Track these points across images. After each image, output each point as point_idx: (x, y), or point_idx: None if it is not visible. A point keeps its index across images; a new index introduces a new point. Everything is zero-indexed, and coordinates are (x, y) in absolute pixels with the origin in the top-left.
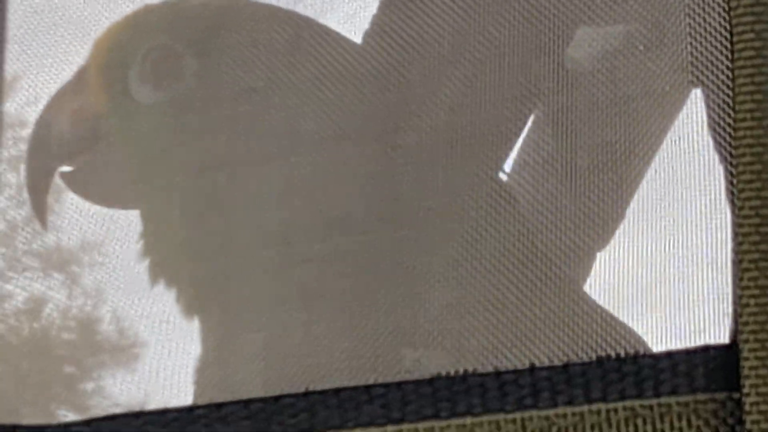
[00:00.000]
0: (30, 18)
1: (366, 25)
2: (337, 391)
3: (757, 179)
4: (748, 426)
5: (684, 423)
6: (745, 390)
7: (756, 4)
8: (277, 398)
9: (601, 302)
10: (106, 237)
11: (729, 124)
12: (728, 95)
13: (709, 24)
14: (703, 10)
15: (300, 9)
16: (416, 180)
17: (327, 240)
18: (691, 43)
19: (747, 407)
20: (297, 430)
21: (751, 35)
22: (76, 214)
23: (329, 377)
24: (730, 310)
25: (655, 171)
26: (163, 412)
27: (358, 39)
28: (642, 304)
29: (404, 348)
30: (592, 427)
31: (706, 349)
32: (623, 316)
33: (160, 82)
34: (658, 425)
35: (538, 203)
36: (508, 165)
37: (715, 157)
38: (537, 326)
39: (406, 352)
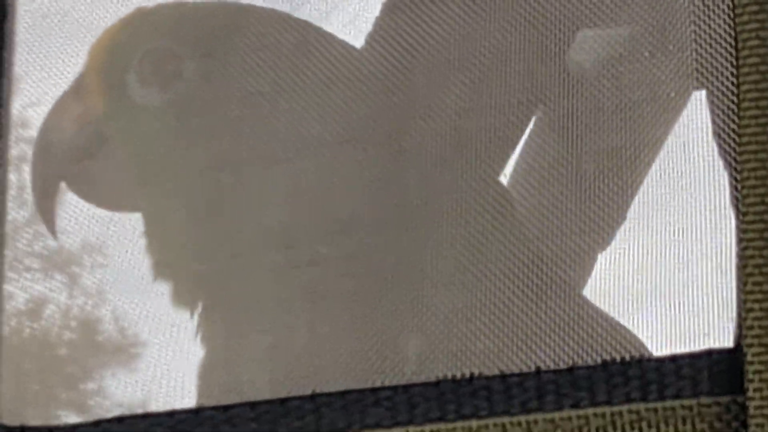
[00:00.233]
0: (36, 21)
1: (368, 28)
2: (343, 394)
3: (761, 185)
4: (751, 429)
5: (688, 426)
6: (749, 393)
7: (760, 12)
8: (283, 400)
9: (605, 306)
10: (108, 238)
11: (734, 130)
12: (733, 101)
13: (714, 30)
14: (708, 16)
15: (303, 11)
16: (421, 183)
17: (332, 242)
18: (696, 50)
19: (751, 411)
20: None
21: (756, 42)
22: (77, 216)
23: (335, 379)
24: (734, 314)
25: (660, 176)
26: (171, 414)
27: (360, 42)
28: (647, 309)
29: (410, 350)
30: (597, 430)
31: (710, 353)
32: (628, 320)
33: (158, 84)
34: (663, 428)
35: (543, 207)
36: (513, 169)
37: (720, 163)
38: (542, 330)
39: (412, 355)
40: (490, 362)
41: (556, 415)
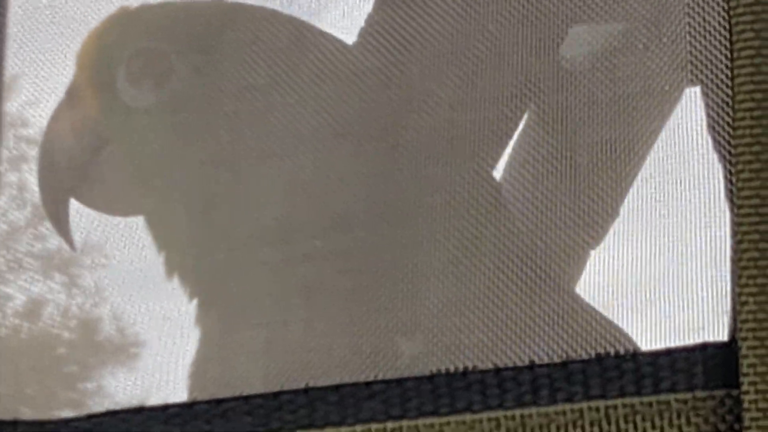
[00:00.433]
0: (30, 16)
1: (362, 23)
2: (337, 388)
3: (756, 178)
4: (746, 423)
5: (683, 420)
6: (744, 387)
7: (755, 3)
8: (277, 394)
9: (600, 300)
10: (107, 239)
11: (728, 123)
12: (727, 94)
13: (709, 23)
14: (703, 9)
15: (295, 7)
16: (416, 177)
17: (327, 237)
18: (690, 42)
19: (746, 404)
20: (297, 426)
21: (751, 34)
22: (77, 217)
23: (329, 373)
24: (729, 307)
25: (655, 169)
26: (164, 408)
27: (354, 37)
28: (642, 302)
29: (404, 344)
30: (592, 423)
31: (704, 346)
32: (622, 314)
33: (149, 85)
34: (657, 422)
35: (537, 201)
36: (506, 163)
37: (715, 156)
38: (536, 323)
39: (406, 349)
40: (484, 356)
41: (551, 409)
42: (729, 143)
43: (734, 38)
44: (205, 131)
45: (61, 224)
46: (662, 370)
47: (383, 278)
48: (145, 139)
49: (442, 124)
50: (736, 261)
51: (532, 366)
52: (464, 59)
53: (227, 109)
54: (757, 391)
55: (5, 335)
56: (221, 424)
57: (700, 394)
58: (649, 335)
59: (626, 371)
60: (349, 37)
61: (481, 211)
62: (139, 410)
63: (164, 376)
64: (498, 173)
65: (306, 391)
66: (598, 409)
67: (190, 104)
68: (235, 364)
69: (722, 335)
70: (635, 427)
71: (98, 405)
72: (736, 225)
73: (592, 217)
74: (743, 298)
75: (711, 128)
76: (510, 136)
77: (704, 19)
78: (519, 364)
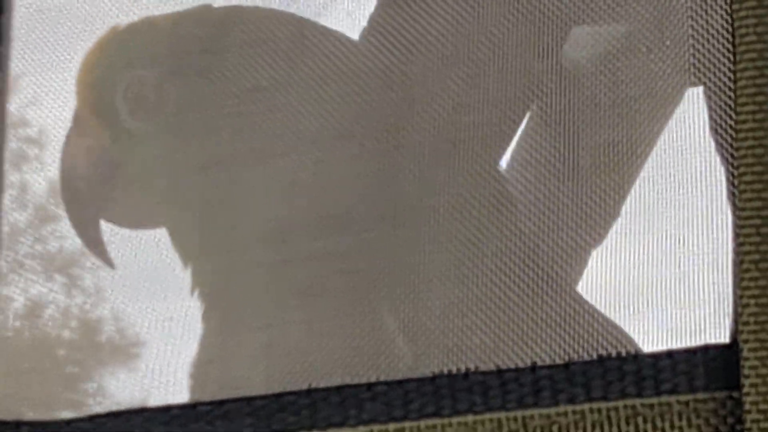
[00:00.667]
0: (32, 16)
1: (364, 24)
2: (339, 389)
3: (758, 180)
4: (747, 425)
5: (684, 422)
6: (745, 389)
7: (758, 7)
8: (279, 395)
9: (601, 301)
10: (108, 241)
11: (731, 126)
12: (730, 97)
13: (712, 26)
14: (706, 12)
15: (298, 6)
16: (418, 178)
17: (329, 238)
18: (693, 45)
19: (747, 406)
20: (299, 427)
21: (753, 37)
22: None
23: (331, 375)
24: (731, 310)
25: (657, 172)
26: (166, 409)
27: (356, 38)
28: (643, 304)
29: (406, 346)
30: (593, 425)
31: (706, 348)
32: (624, 316)
33: (146, 113)
34: (659, 424)
35: (539, 203)
36: (510, 164)
37: (717, 159)
38: (538, 325)
39: (407, 350)
40: (486, 357)
41: (552, 410)
42: (731, 146)
43: (737, 41)
44: (207, 133)
45: (98, 248)
46: (664, 372)
47: (385, 279)
48: (151, 155)
49: (444, 126)
50: (737, 263)
51: (534, 367)
52: (467, 61)
53: (228, 111)
54: (758, 393)
55: (8, 335)
56: (223, 426)
57: (701, 395)
58: (651, 337)
59: (628, 373)
60: (352, 38)
61: (484, 212)
62: (141, 411)
63: (165, 378)
64: (501, 175)
65: (308, 392)
66: (599, 411)
67: (189, 111)
68: (236, 366)
69: (724, 337)
70: (637, 429)
71: (98, 405)
72: (737, 227)
73: (595, 218)
74: (745, 300)
75: (713, 131)
76: (514, 138)
77: (707, 22)
78: (521, 365)
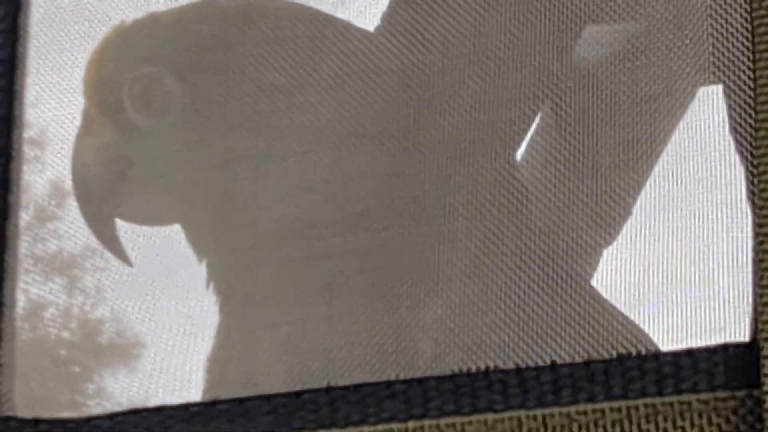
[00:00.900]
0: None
1: (382, 23)
2: (358, 387)
3: None
4: (767, 423)
5: (704, 420)
6: (765, 387)
7: None
8: (298, 393)
9: (621, 300)
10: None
11: (750, 125)
12: (750, 96)
13: (731, 25)
14: (725, 11)
15: (317, 2)
16: (437, 177)
17: (348, 236)
18: (712, 44)
19: (767, 405)
20: (318, 425)
21: None
22: (78, 220)
23: (351, 373)
24: (750, 308)
25: (678, 170)
26: (186, 407)
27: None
28: (663, 302)
29: (426, 344)
30: (613, 424)
31: (726, 347)
32: (644, 314)
33: (154, 110)
34: (679, 422)
35: (559, 201)
36: (528, 163)
37: (737, 157)
38: (558, 323)
39: (427, 348)
40: (506, 356)
41: (572, 409)
42: (751, 144)
43: (756, 40)
44: (225, 130)
45: (116, 247)
46: (683, 371)
47: (404, 277)
48: (165, 152)
49: (463, 124)
50: (757, 262)
51: (553, 366)
52: (486, 59)
53: (247, 108)
54: None
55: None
56: (243, 423)
57: (721, 394)
58: (671, 335)
59: (648, 371)
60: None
61: (503, 210)
62: (161, 409)
63: (165, 379)
64: (519, 173)
65: (327, 390)
66: (619, 410)
67: (207, 108)
68: (256, 363)
69: (744, 336)
70: (656, 428)
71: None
72: (757, 226)
73: (614, 217)
74: (764, 299)
75: (733, 129)
76: (532, 136)
77: (726, 21)
78: (541, 364)
